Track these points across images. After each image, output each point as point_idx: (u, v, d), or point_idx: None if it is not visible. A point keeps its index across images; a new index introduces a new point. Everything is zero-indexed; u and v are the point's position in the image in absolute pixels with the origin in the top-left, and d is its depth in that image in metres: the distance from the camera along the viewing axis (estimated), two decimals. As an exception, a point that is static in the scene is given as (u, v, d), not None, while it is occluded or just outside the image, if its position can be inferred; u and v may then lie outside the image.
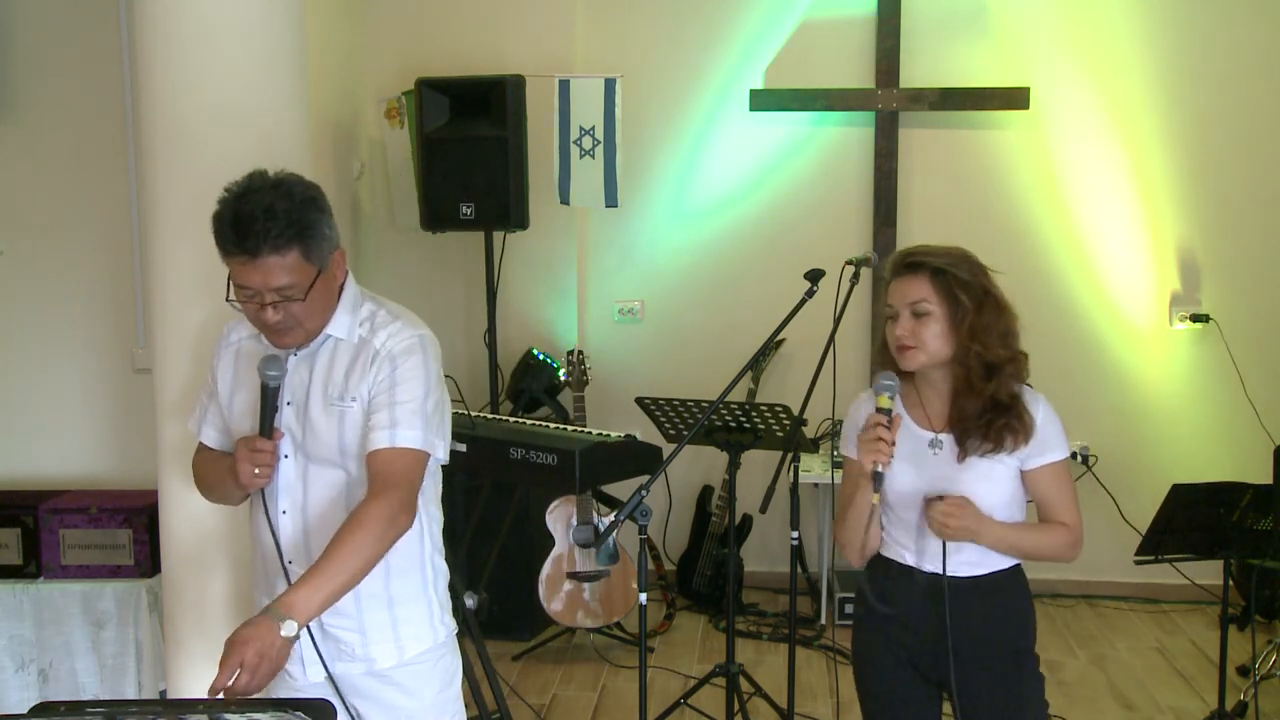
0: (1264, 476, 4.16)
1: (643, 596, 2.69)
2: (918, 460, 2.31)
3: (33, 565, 3.64)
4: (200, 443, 2.30)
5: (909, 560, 2.34)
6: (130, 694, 3.59)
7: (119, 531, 3.61)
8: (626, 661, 4.43)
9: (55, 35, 4.02)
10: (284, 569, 2.15)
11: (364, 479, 2.10)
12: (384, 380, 2.11)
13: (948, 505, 2.22)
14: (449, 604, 2.31)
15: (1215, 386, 5.00)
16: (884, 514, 2.37)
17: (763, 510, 3.38)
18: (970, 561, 2.30)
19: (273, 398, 2.08)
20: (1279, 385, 4.97)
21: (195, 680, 2.71)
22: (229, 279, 2.06)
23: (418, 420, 2.10)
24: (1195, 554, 3.42)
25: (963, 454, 2.26)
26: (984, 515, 2.24)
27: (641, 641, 2.77)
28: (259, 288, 2.01)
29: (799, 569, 3.74)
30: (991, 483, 2.27)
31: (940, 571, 2.27)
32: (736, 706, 3.50)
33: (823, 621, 4.79)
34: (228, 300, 2.06)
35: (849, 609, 4.76)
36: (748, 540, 5.06)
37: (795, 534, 3.40)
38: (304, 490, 2.13)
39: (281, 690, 2.23)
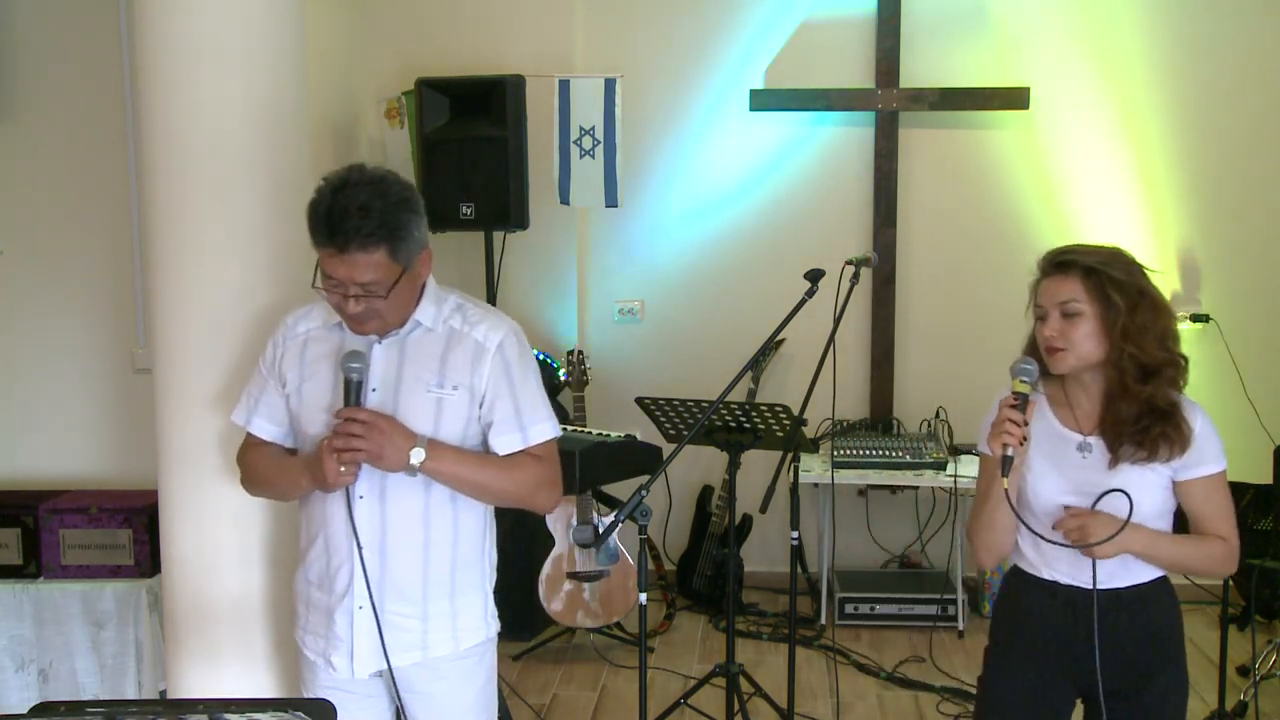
0: (1264, 476, 4.16)
1: (643, 596, 2.69)
2: (1063, 463, 2.23)
3: (33, 565, 3.64)
4: (250, 436, 2.31)
5: (1046, 575, 2.27)
6: (130, 694, 3.59)
7: (119, 531, 3.61)
8: (626, 661, 4.43)
9: (55, 36, 4.02)
10: (358, 554, 2.15)
11: None
12: (500, 377, 2.18)
13: (1073, 516, 2.15)
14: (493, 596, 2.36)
15: (1215, 386, 4.99)
16: (1023, 521, 2.27)
17: (763, 510, 3.38)
18: (1110, 573, 2.22)
19: (356, 391, 2.10)
20: (1279, 385, 4.97)
21: (195, 680, 2.71)
22: (317, 265, 2.10)
23: (542, 414, 2.23)
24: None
25: (1115, 460, 2.18)
26: (1120, 520, 2.13)
27: (641, 641, 2.77)
28: (344, 280, 2.06)
29: (799, 569, 3.74)
30: (1142, 490, 2.17)
31: (1083, 585, 2.21)
32: (736, 706, 3.50)
33: (823, 621, 4.79)
34: (313, 286, 2.12)
35: (849, 609, 4.77)
36: (748, 540, 5.06)
37: (795, 534, 3.40)
38: (383, 475, 2.14)
39: (324, 682, 2.25)
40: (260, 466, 2.30)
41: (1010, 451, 2.13)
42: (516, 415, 2.19)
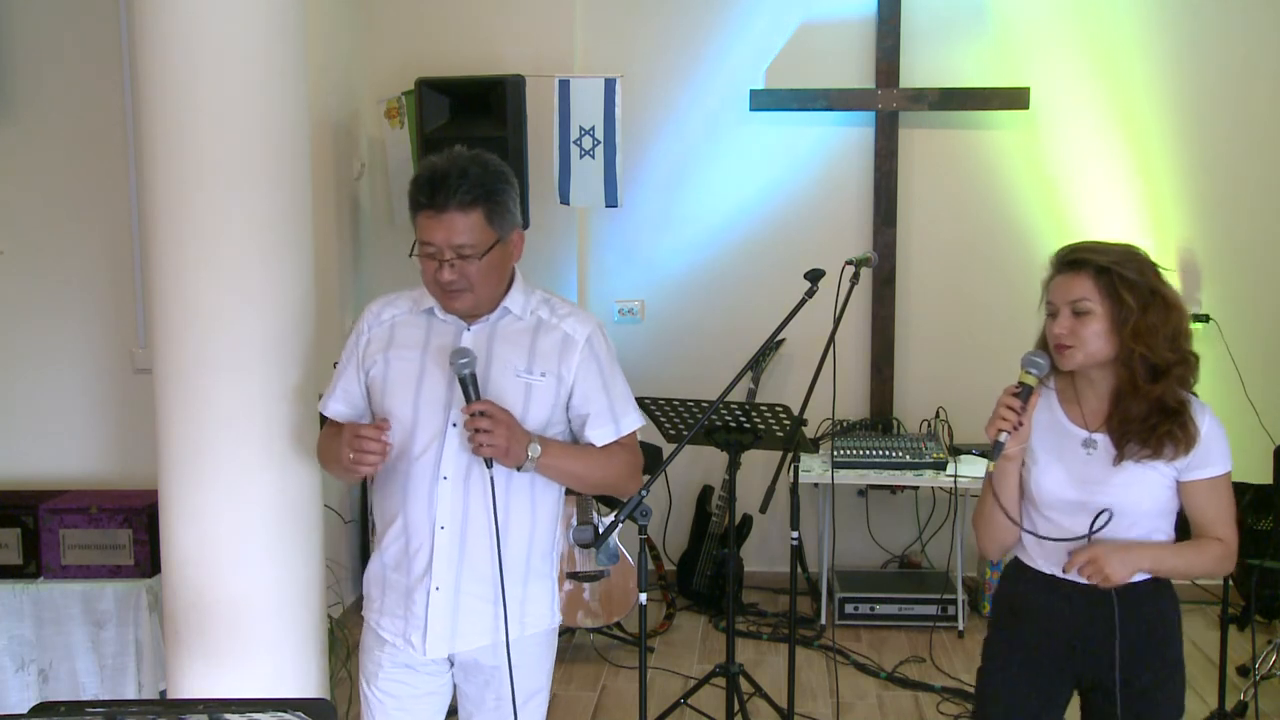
0: (1264, 476, 4.16)
1: (643, 596, 2.69)
2: (1068, 459, 2.24)
3: (33, 565, 3.63)
4: (326, 421, 2.39)
5: (1045, 568, 2.29)
6: (130, 694, 3.59)
7: (119, 531, 3.61)
8: (626, 661, 4.43)
9: (55, 35, 4.01)
10: (433, 534, 2.20)
11: None
12: (593, 371, 2.26)
13: (1088, 563, 2.15)
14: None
15: (1215, 386, 4.99)
16: (1026, 516, 2.30)
17: (763, 510, 3.38)
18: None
19: (472, 384, 2.14)
20: (1279, 385, 4.97)
21: (195, 680, 2.70)
22: (415, 241, 2.18)
23: (630, 405, 2.33)
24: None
25: (1119, 457, 2.19)
26: (1130, 546, 2.16)
27: (641, 641, 2.77)
28: (440, 244, 2.13)
29: (799, 569, 3.74)
30: (1144, 488, 2.20)
31: (1083, 579, 2.22)
32: (736, 706, 3.50)
33: (823, 621, 4.79)
34: (410, 255, 2.20)
35: (849, 609, 4.77)
36: (748, 540, 5.06)
37: (795, 534, 3.40)
38: (469, 457, 2.18)
39: (399, 660, 2.29)
40: (323, 445, 2.39)
41: (1002, 437, 2.15)
42: (610, 408, 2.28)
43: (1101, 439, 2.23)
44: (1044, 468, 2.25)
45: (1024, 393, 2.17)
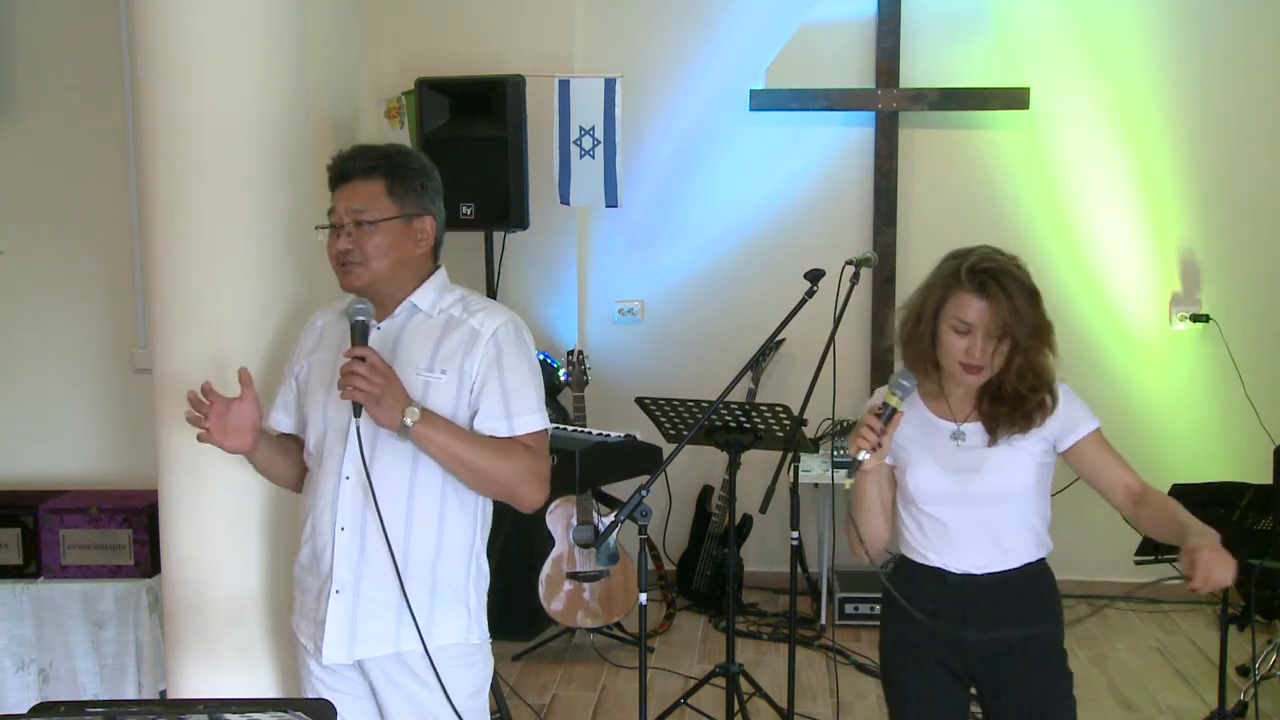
0: (1264, 476, 4.16)
1: (643, 596, 2.69)
2: (938, 452, 2.28)
3: (33, 565, 3.64)
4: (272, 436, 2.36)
5: (935, 561, 2.32)
6: (130, 694, 3.59)
7: (119, 531, 3.61)
8: (626, 661, 4.43)
9: (55, 35, 4.02)
10: (333, 537, 2.17)
11: None
12: (490, 363, 2.17)
13: (1204, 583, 2.03)
14: (485, 610, 2.30)
15: (1215, 386, 5.00)
16: (908, 514, 2.35)
17: (763, 510, 3.38)
18: (995, 558, 2.28)
19: (362, 333, 2.12)
20: (1279, 385, 4.97)
21: (195, 680, 2.71)
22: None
23: (532, 404, 2.20)
24: (1195, 554, 3.41)
25: (992, 440, 2.24)
26: (1205, 543, 2.05)
27: (641, 641, 2.77)
28: (341, 211, 2.18)
29: (799, 569, 3.73)
30: (1016, 469, 2.25)
31: (971, 571, 2.28)
32: (736, 706, 3.50)
33: (823, 621, 4.79)
34: (316, 228, 2.24)
35: (849, 609, 4.77)
36: (748, 540, 5.06)
37: (795, 534, 3.40)
38: (371, 458, 2.13)
39: (315, 672, 2.25)
40: (263, 464, 2.35)
41: (861, 455, 2.18)
42: (504, 402, 2.17)
43: (970, 428, 2.28)
44: (917, 464, 2.29)
45: (886, 414, 2.18)
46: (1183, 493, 3.28)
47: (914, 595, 2.32)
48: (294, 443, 2.37)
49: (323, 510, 2.19)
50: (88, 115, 4.01)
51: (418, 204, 2.21)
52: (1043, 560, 2.34)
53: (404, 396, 2.09)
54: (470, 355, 2.17)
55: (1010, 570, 2.29)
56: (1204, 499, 3.30)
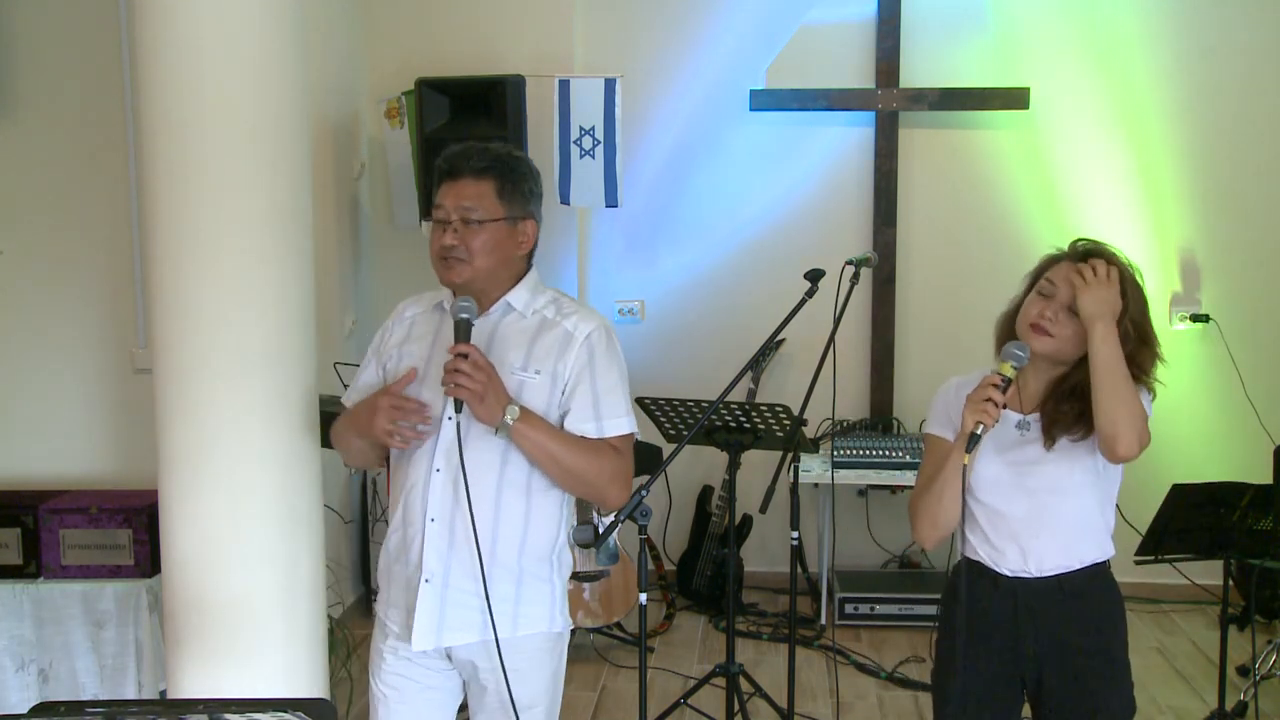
0: (1264, 476, 4.15)
1: (643, 596, 2.69)
2: (1002, 441, 2.26)
3: (33, 565, 3.63)
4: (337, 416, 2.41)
5: (989, 558, 2.30)
6: (130, 694, 3.59)
7: (119, 531, 3.61)
8: (626, 661, 4.43)
9: (55, 35, 4.02)
10: (423, 527, 2.20)
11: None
12: (584, 365, 2.22)
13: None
14: (567, 600, 2.35)
15: (1215, 386, 5.00)
16: (968, 510, 2.30)
17: (763, 510, 3.38)
18: (1051, 560, 2.25)
19: (466, 331, 2.15)
20: (1279, 385, 4.97)
21: (195, 680, 2.70)
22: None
23: (621, 408, 2.26)
24: (1195, 554, 3.42)
25: (1047, 442, 2.22)
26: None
27: (641, 641, 2.77)
28: (449, 207, 2.21)
29: (799, 569, 3.73)
30: (1077, 462, 2.23)
31: (1022, 573, 2.25)
32: (736, 706, 3.50)
33: (823, 621, 4.79)
34: (420, 220, 2.27)
35: (849, 609, 4.77)
36: (748, 540, 5.06)
37: (795, 534, 3.40)
38: (462, 452, 2.16)
39: (404, 655, 2.28)
40: (343, 423, 2.38)
41: (980, 430, 2.14)
42: (594, 405, 2.23)
43: (1034, 420, 2.26)
44: (980, 451, 2.24)
45: (1005, 385, 2.16)
46: (1183, 493, 3.28)
47: (972, 601, 2.31)
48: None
49: (414, 501, 2.23)
50: (88, 115, 4.01)
51: (524, 207, 2.28)
52: (1104, 564, 2.30)
53: (505, 394, 2.14)
54: (564, 357, 2.22)
55: (1065, 574, 2.26)
56: (1204, 499, 3.29)
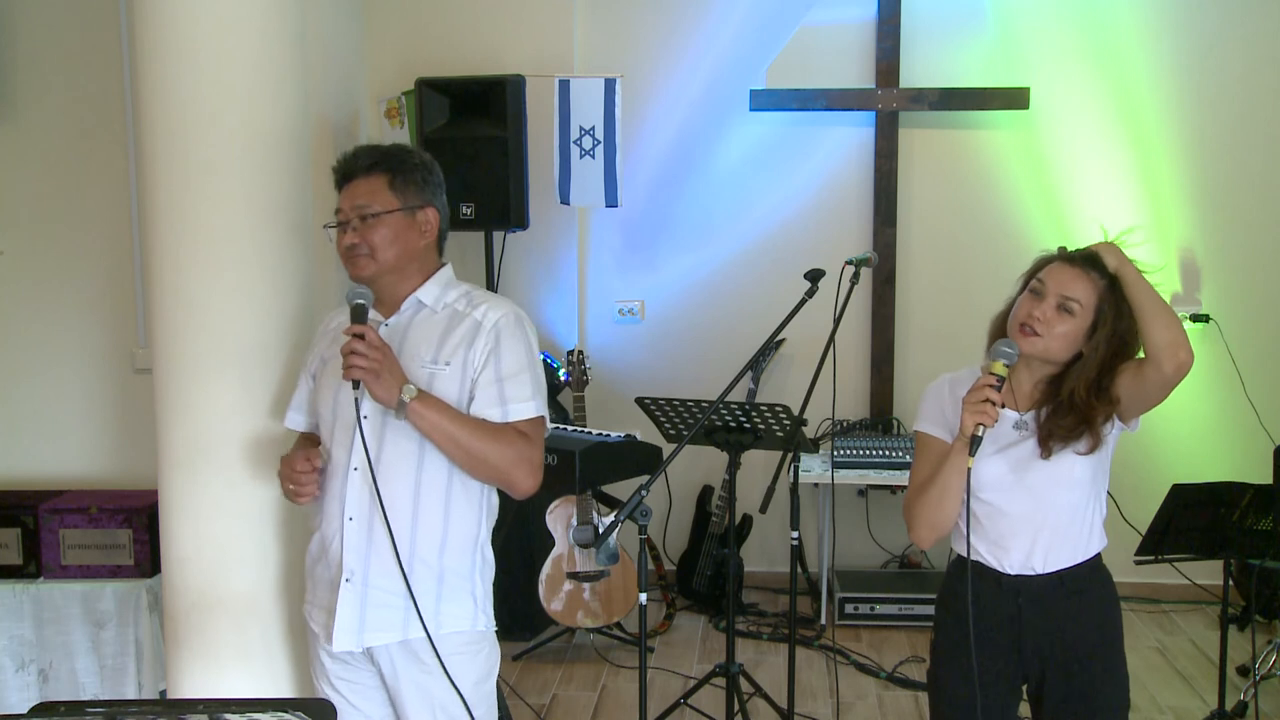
0: (1264, 476, 4.15)
1: (643, 596, 2.69)
2: (1000, 440, 2.26)
3: (33, 565, 3.64)
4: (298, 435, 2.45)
5: (989, 557, 2.30)
6: (130, 694, 3.59)
7: (119, 531, 3.61)
8: (626, 661, 4.43)
9: (55, 35, 4.02)
10: (341, 526, 2.21)
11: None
12: (489, 353, 2.21)
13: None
14: (491, 599, 2.35)
15: (1215, 386, 4.99)
16: (969, 510, 2.30)
17: (763, 510, 3.38)
18: (1053, 551, 2.26)
19: (361, 316, 2.17)
20: (1279, 385, 4.97)
21: (195, 680, 2.70)
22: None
23: (529, 391, 2.24)
24: (1195, 554, 3.42)
25: (1044, 452, 2.22)
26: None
27: (641, 641, 2.77)
28: (346, 209, 2.25)
29: (799, 569, 3.74)
30: (1073, 458, 2.22)
31: (1026, 572, 2.26)
32: (736, 706, 3.50)
33: (823, 621, 4.79)
34: (324, 226, 2.32)
35: (849, 609, 4.77)
36: (748, 540, 5.06)
37: (795, 534, 3.40)
38: (378, 450, 2.19)
39: (326, 660, 2.29)
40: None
41: (981, 431, 2.14)
42: (498, 388, 2.21)
43: (1032, 419, 2.26)
44: (979, 455, 2.23)
45: (1000, 384, 2.16)
46: (1183, 493, 3.28)
47: (971, 598, 2.30)
48: (316, 442, 2.40)
49: (331, 500, 2.24)
50: (88, 115, 4.02)
51: (419, 196, 2.28)
52: (1098, 556, 2.31)
53: (400, 373, 2.16)
54: (472, 346, 2.23)
55: (1065, 570, 2.27)
56: (1204, 499, 3.30)
